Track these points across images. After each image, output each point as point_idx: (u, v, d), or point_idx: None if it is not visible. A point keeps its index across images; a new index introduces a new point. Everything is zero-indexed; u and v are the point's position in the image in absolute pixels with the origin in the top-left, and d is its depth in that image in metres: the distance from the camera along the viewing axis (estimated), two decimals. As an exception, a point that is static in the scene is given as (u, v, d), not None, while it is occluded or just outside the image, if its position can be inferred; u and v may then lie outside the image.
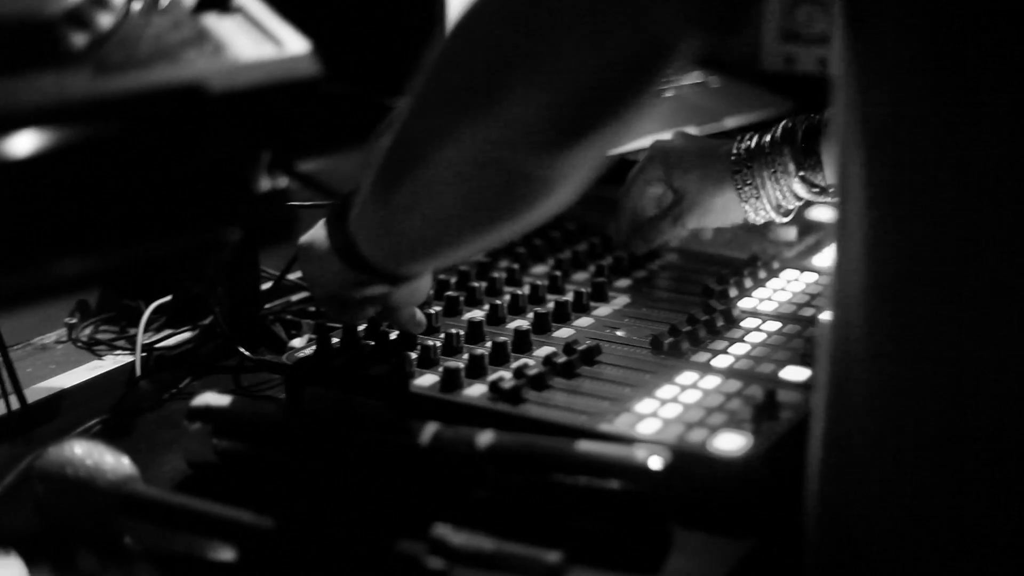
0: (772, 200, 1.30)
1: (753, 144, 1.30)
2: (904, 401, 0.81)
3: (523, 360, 1.13)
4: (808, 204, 1.33)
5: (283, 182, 0.92)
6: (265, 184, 0.90)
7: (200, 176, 0.84)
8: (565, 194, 0.90)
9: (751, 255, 1.40)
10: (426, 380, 1.10)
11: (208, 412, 1.03)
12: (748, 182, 1.30)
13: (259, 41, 0.87)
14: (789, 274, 1.37)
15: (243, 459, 1.02)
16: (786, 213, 1.32)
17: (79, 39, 0.81)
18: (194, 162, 0.83)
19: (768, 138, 1.30)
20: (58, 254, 0.79)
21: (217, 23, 0.87)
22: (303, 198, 1.27)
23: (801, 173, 1.28)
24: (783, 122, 1.30)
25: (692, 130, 1.71)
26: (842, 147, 0.84)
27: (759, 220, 1.33)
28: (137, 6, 0.87)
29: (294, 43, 0.87)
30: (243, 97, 0.84)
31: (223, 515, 0.88)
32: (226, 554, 0.88)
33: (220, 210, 0.87)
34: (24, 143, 0.75)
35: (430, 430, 0.97)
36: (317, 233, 1.11)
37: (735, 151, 1.31)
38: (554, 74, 0.83)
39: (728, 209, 1.33)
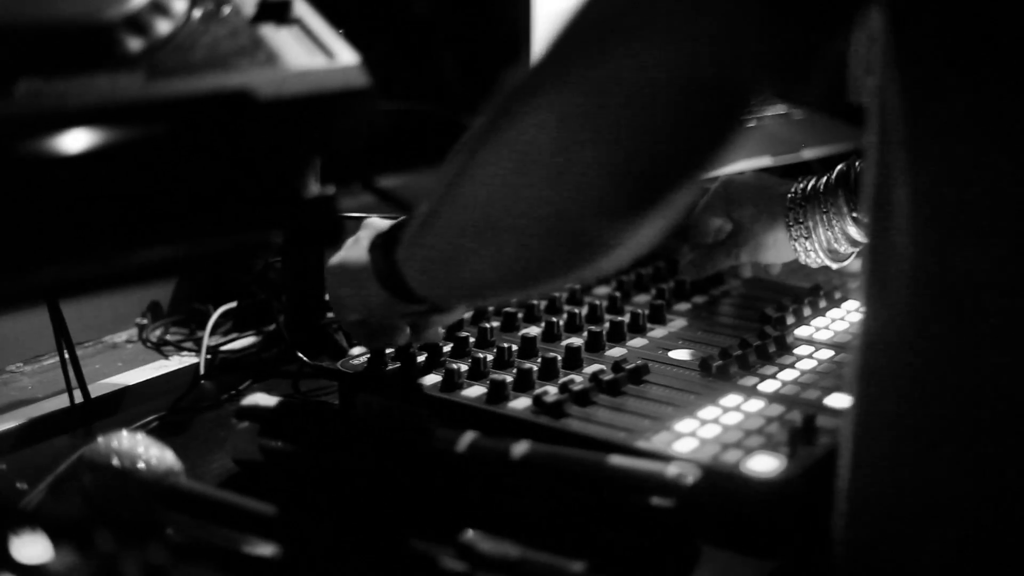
0: (823, 242, 1.31)
1: (809, 186, 1.33)
2: (936, 426, 0.81)
3: (571, 376, 1.14)
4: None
5: (331, 189, 0.95)
6: (313, 190, 0.92)
7: (246, 180, 0.87)
8: (624, 257, 0.90)
9: (814, 284, 1.41)
10: (473, 391, 1.12)
11: (255, 411, 1.05)
12: (800, 221, 1.32)
13: (311, 52, 0.89)
14: (850, 304, 1.37)
15: (286, 459, 1.04)
16: (838, 258, 1.33)
17: (135, 44, 0.84)
18: (239, 167, 0.86)
19: (824, 180, 1.32)
20: (100, 251, 0.82)
21: (274, 33, 0.90)
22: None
23: (854, 214, 1.29)
24: (840, 166, 1.32)
25: (767, 160, 1.73)
26: (879, 173, 0.84)
27: (811, 263, 1.34)
28: (197, 14, 0.89)
29: (345, 55, 0.89)
30: (290, 105, 0.86)
31: (256, 511, 0.91)
32: (258, 549, 0.90)
33: (265, 214, 0.89)
34: (74, 142, 0.78)
35: (467, 439, 0.99)
36: (351, 255, 1.11)
37: (792, 191, 1.34)
38: (621, 134, 0.80)
39: (779, 247, 1.35)
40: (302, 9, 0.92)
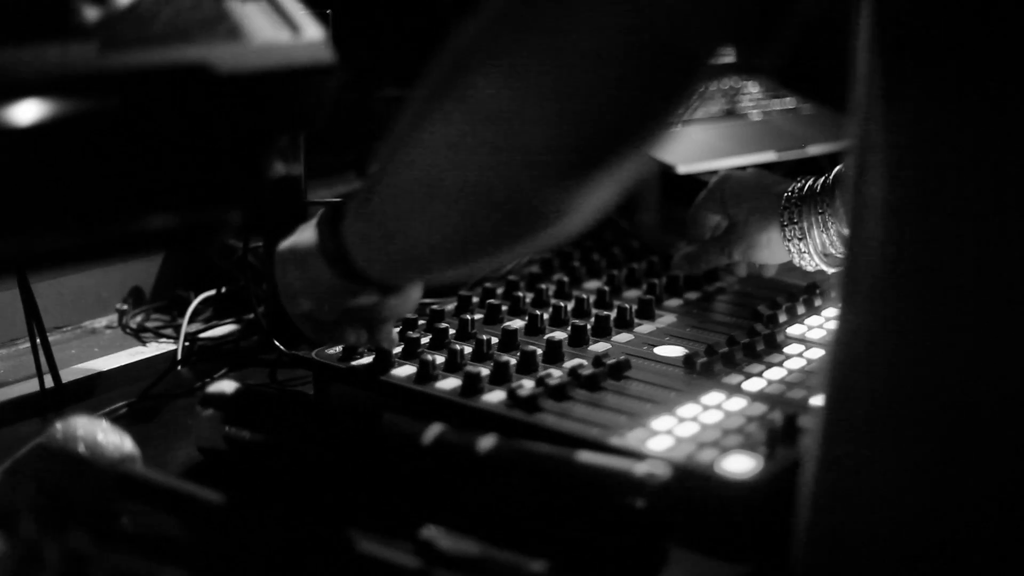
0: (817, 244, 1.28)
1: (806, 186, 1.30)
2: (902, 428, 0.78)
3: (549, 370, 1.11)
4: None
5: (296, 169, 0.92)
6: (279, 169, 0.89)
7: (204, 157, 0.84)
8: (573, 225, 0.86)
9: (810, 282, 1.37)
10: (448, 383, 1.09)
11: (219, 399, 1.03)
12: (794, 221, 1.29)
13: (275, 26, 0.86)
14: (846, 304, 1.33)
15: (249, 448, 1.02)
16: (833, 263, 1.30)
17: (92, 13, 0.81)
18: (198, 142, 0.83)
19: (821, 181, 1.29)
20: (49, 227, 0.80)
21: (239, 7, 0.87)
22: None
23: None
24: (838, 167, 1.29)
25: (772, 155, 1.70)
26: (857, 168, 0.81)
27: (805, 266, 1.31)
28: (164, -14, 0.87)
29: (310, 30, 0.86)
30: (251, 80, 0.83)
31: (208, 500, 0.88)
32: (210, 538, 0.88)
33: (225, 193, 0.86)
34: (21, 113, 0.76)
35: (434, 431, 0.96)
36: (300, 239, 1.05)
37: (789, 191, 1.31)
38: (572, 91, 0.78)
39: (772, 246, 1.33)
40: (273, -16, 0.90)
